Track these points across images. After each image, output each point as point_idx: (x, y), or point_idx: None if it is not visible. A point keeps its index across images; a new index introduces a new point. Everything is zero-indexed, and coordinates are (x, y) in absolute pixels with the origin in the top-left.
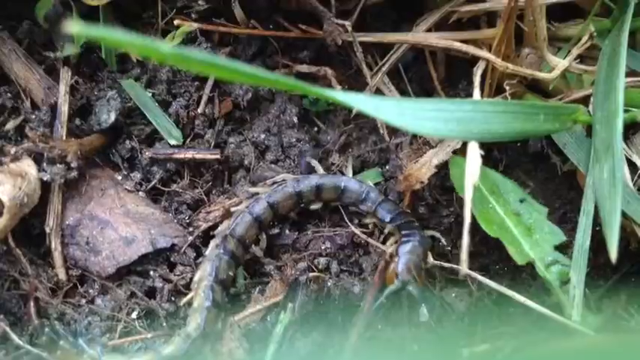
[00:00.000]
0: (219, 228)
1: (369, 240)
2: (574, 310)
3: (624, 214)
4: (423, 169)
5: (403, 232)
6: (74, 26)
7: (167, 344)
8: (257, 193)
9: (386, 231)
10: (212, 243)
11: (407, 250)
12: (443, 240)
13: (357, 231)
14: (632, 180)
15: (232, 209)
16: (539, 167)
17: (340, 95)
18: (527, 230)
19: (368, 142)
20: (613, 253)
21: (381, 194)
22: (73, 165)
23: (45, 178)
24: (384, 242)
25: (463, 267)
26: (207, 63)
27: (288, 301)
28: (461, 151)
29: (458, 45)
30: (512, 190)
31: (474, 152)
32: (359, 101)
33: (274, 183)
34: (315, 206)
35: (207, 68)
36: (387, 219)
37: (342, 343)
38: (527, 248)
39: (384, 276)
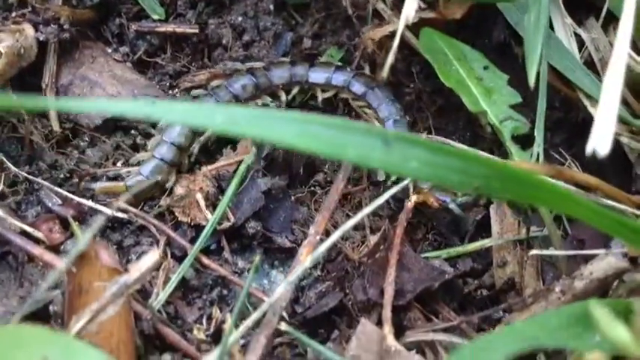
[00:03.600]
0: None
1: None
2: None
3: (571, 85)
4: (377, 33)
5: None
6: None
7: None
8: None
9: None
10: None
11: None
12: None
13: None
14: (580, 53)
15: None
16: (501, 59)
17: None
18: (486, 91)
19: (343, 35)
20: (531, 78)
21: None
22: (65, 27)
23: (41, 38)
24: None
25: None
26: None
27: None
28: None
29: None
30: (477, 59)
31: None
32: None
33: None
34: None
35: None
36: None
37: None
38: (484, 105)
39: None
